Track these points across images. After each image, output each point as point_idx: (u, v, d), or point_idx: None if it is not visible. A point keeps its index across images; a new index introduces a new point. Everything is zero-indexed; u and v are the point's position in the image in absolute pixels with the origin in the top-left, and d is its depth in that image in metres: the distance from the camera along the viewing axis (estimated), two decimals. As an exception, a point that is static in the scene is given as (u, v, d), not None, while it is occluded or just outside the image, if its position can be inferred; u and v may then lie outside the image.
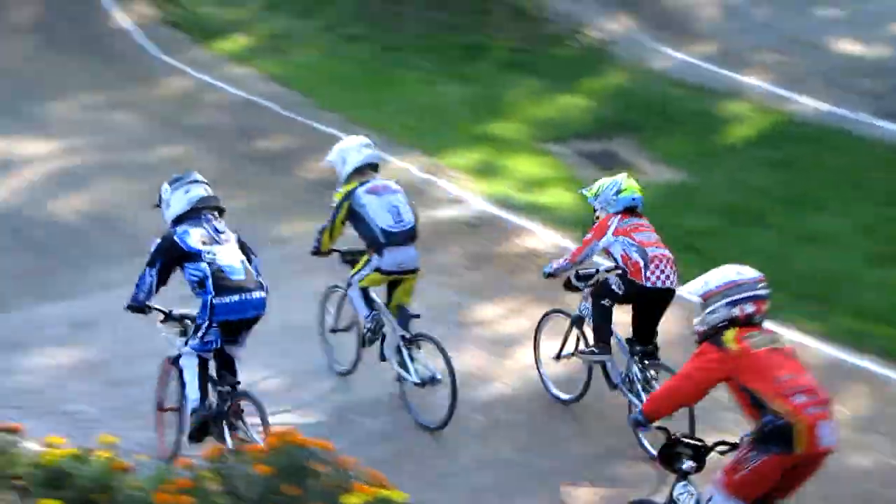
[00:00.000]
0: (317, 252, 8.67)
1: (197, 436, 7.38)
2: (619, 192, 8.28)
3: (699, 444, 6.01)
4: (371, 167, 8.67)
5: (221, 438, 7.30)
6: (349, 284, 8.61)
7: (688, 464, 6.00)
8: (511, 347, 9.22)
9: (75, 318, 9.83)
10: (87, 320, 9.71)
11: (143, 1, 15.81)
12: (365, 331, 8.54)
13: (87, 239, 11.31)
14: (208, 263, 7.46)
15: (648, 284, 7.96)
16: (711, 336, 5.99)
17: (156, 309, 7.57)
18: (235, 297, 7.45)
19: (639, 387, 7.97)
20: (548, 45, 15.67)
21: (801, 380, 5.87)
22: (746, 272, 6.13)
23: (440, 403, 8.07)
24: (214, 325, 7.47)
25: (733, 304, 6.01)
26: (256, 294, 7.54)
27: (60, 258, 10.94)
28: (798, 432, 5.73)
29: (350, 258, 8.67)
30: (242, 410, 7.37)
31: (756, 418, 5.83)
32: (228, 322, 7.50)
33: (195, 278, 7.48)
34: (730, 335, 5.96)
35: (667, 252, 8.10)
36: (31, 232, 11.49)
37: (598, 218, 8.31)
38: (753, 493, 5.86)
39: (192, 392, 7.52)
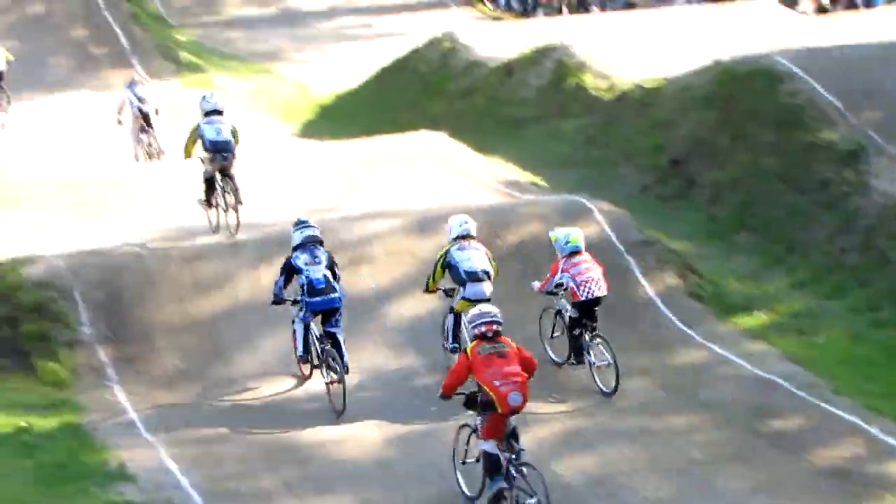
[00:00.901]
0: (426, 290, 13.93)
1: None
2: (566, 242, 13.79)
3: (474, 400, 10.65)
4: (467, 237, 13.73)
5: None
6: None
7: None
8: None
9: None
10: None
11: (669, 272, 16.03)
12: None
13: None
14: (305, 276, 13.26)
15: (582, 298, 13.58)
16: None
17: (286, 299, 13.46)
18: (318, 298, 13.23)
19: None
20: None
21: (503, 371, 10.48)
22: (485, 308, 11.01)
23: None
24: (308, 310, 13.25)
25: (474, 327, 10.75)
26: (332, 295, 13.27)
27: None
28: (496, 400, 10.44)
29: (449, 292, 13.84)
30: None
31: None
32: (314, 310, 13.28)
33: (300, 284, 13.35)
34: (469, 347, 10.80)
35: (594, 275, 13.62)
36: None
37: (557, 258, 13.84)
38: (496, 434, 10.56)
39: (299, 345, 13.45)
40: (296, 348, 13.53)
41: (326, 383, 13.16)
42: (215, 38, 32.45)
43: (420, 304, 14.69)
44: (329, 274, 13.28)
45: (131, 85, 20.96)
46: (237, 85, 26.97)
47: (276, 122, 24.88)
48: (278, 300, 13.44)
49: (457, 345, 13.41)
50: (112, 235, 15.91)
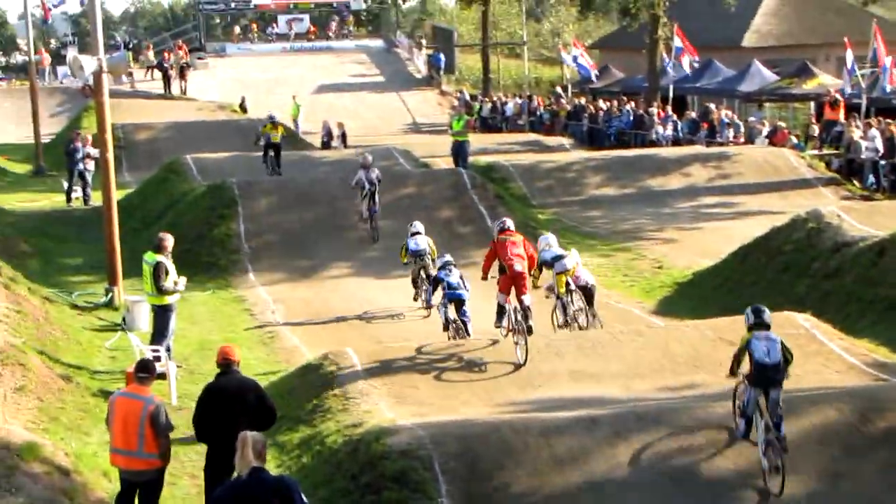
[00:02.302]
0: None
1: None
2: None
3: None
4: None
5: None
6: None
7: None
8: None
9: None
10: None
11: None
12: None
13: None
14: (447, 282, 19.95)
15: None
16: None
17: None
18: (452, 291, 19.66)
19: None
20: None
21: (512, 251, 16.74)
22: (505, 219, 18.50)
23: None
24: (446, 300, 19.63)
25: (499, 229, 17.58)
26: (460, 292, 19.77)
27: None
28: (507, 266, 16.82)
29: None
30: None
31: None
32: (451, 300, 19.63)
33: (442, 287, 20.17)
34: (497, 235, 17.45)
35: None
36: None
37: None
38: (505, 289, 16.91)
39: (441, 316, 19.94)
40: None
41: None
42: (575, 216, 33.07)
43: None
44: (460, 280, 20.13)
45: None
46: (596, 262, 27.24)
47: (632, 299, 24.85)
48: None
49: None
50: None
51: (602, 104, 51.22)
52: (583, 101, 54.22)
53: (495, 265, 17.39)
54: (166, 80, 60.09)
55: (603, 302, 22.10)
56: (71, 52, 52.93)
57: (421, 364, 17.29)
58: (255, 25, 74.90)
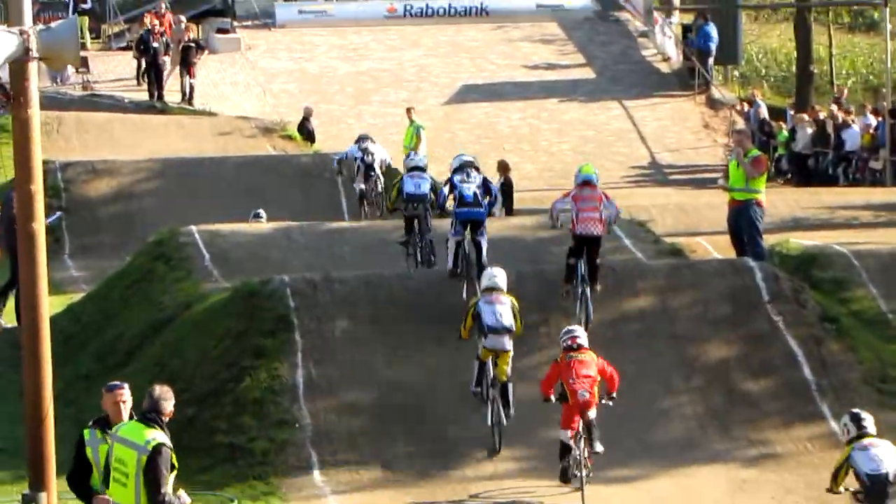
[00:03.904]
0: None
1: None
2: (578, 171, 17.16)
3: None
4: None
5: None
6: None
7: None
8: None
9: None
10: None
11: None
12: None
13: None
14: (459, 192, 17.05)
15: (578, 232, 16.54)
16: None
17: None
18: (465, 209, 17.03)
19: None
20: None
21: (580, 373, 14.58)
22: (571, 326, 15.77)
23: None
24: (458, 221, 17.15)
25: (563, 340, 15.05)
26: (476, 209, 16.90)
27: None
28: (569, 394, 14.65)
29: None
30: None
31: None
32: (462, 221, 17.10)
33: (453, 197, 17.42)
34: (560, 356, 15.25)
35: (595, 214, 16.33)
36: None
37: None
38: (568, 425, 14.48)
39: (449, 259, 17.27)
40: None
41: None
42: None
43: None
44: (477, 191, 17.04)
45: None
46: None
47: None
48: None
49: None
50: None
51: None
52: None
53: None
54: (155, 73, 33.89)
55: None
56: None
57: None
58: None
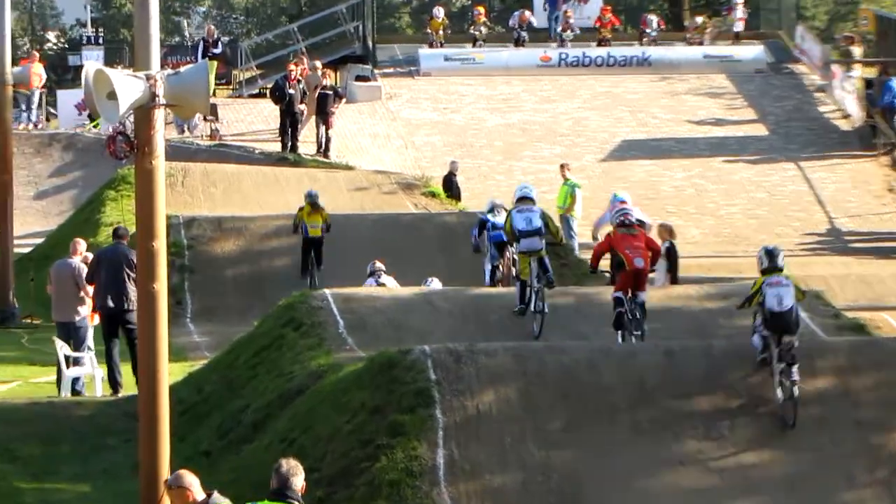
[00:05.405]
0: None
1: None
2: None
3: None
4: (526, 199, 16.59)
5: None
6: None
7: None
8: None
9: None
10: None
11: None
12: None
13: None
14: (492, 223, 19.23)
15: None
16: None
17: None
18: (497, 232, 18.91)
19: None
20: None
21: (633, 243, 15.14)
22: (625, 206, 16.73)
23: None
24: (491, 246, 19.54)
25: (616, 217, 15.87)
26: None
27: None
28: (626, 261, 15.11)
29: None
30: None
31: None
32: (495, 243, 19.38)
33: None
34: (612, 229, 15.86)
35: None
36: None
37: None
38: (623, 287, 15.27)
39: (486, 271, 19.84)
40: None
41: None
42: None
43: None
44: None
45: None
46: None
47: None
48: (475, 247, 20.07)
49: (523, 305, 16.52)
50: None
51: None
52: None
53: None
54: (290, 122, 30.32)
55: None
56: (89, 59, 32.36)
57: None
58: (482, 10, 38.14)
